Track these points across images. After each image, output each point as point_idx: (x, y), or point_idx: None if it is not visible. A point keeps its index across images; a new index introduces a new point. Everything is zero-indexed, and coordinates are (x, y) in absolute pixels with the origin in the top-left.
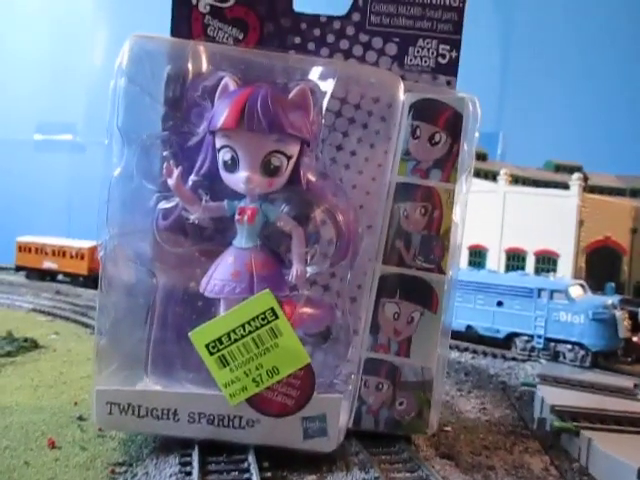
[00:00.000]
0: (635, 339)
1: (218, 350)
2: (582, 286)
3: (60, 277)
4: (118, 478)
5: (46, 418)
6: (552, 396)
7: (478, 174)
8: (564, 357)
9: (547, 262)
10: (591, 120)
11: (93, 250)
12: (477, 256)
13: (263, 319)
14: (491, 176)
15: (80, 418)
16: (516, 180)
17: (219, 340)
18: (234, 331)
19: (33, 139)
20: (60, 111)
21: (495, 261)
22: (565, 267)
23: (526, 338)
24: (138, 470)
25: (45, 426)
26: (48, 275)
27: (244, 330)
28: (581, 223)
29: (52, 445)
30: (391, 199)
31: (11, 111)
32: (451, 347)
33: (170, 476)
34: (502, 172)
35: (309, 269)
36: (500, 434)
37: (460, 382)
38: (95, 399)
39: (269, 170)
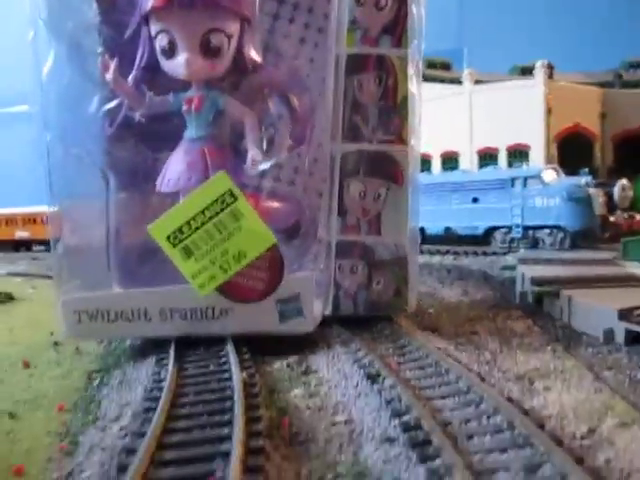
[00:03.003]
0: (612, 218)
1: (180, 241)
2: (555, 170)
3: (34, 248)
4: (95, 381)
5: (21, 349)
6: (532, 272)
7: (443, 81)
8: (543, 243)
9: (519, 156)
10: (555, 24)
11: None
12: (449, 162)
13: (222, 202)
14: (457, 82)
15: (55, 344)
16: (479, 81)
17: (179, 230)
18: (194, 219)
19: None
20: (14, 82)
21: (468, 164)
22: (537, 158)
23: (504, 230)
24: (116, 373)
25: (19, 354)
26: (22, 246)
27: (204, 216)
28: (549, 111)
29: (26, 365)
30: (342, 72)
31: None
32: (432, 252)
33: (149, 375)
34: (466, 72)
35: (268, 161)
36: (483, 309)
37: (442, 278)
38: (61, 310)
39: (209, 50)
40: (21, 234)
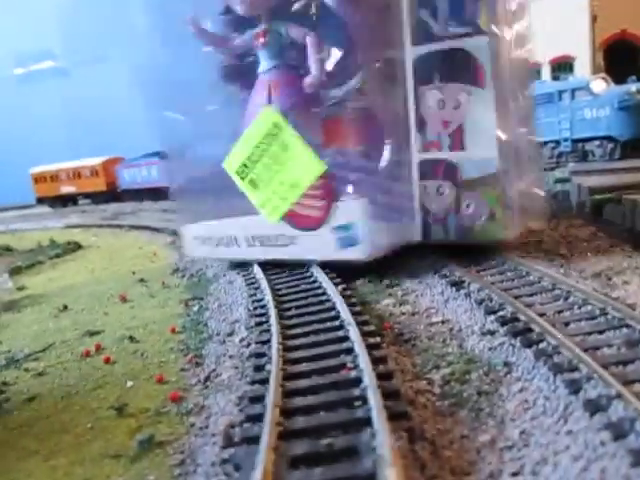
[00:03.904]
0: None
1: (246, 174)
2: (604, 79)
3: (80, 202)
4: (193, 308)
5: (111, 286)
6: (588, 182)
7: None
8: (593, 155)
9: (564, 69)
10: None
11: (107, 164)
12: None
13: (271, 135)
14: None
15: (142, 280)
16: None
17: (244, 165)
18: (252, 154)
19: (14, 74)
20: (35, 40)
21: None
22: (583, 69)
23: (552, 145)
24: (210, 299)
25: (112, 290)
26: (69, 200)
27: (260, 150)
28: (594, 19)
29: (123, 299)
30: None
31: None
32: None
33: (245, 297)
34: None
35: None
36: (541, 222)
37: None
38: (185, 235)
39: None
40: (67, 189)
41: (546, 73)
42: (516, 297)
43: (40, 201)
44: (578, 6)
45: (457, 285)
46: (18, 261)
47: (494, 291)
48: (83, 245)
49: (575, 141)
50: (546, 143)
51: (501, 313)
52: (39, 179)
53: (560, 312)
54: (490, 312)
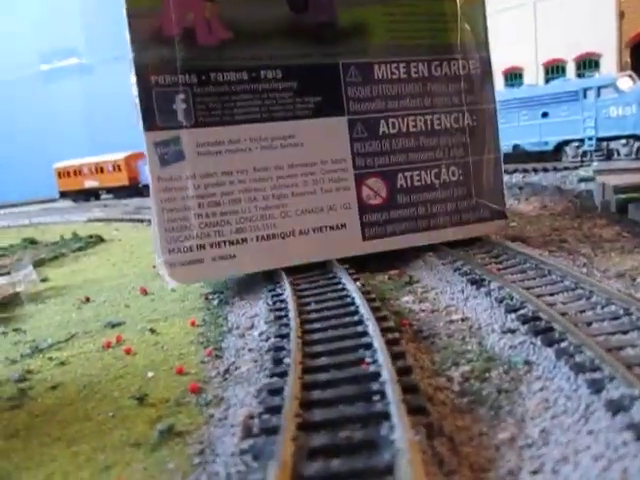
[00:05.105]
0: None
1: None
2: (631, 77)
3: (102, 197)
4: (213, 302)
5: (132, 279)
6: (613, 181)
7: None
8: (618, 154)
9: (589, 66)
10: None
11: (129, 159)
12: (513, 79)
13: None
14: None
15: None
16: None
17: None
18: None
19: (40, 70)
20: (60, 37)
21: (533, 79)
22: (609, 66)
23: (576, 144)
24: (230, 293)
25: (133, 283)
26: (92, 195)
27: None
28: (622, 15)
29: (145, 292)
30: None
31: (15, 50)
32: None
33: (265, 292)
34: None
35: None
36: (566, 220)
37: (515, 195)
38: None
39: None
40: (90, 183)
41: (571, 70)
42: (538, 296)
43: (63, 195)
44: (604, 3)
45: (477, 283)
46: (42, 253)
47: (515, 289)
48: (105, 239)
49: (600, 139)
50: (570, 142)
51: (522, 312)
52: (63, 174)
53: (582, 312)
54: (511, 310)
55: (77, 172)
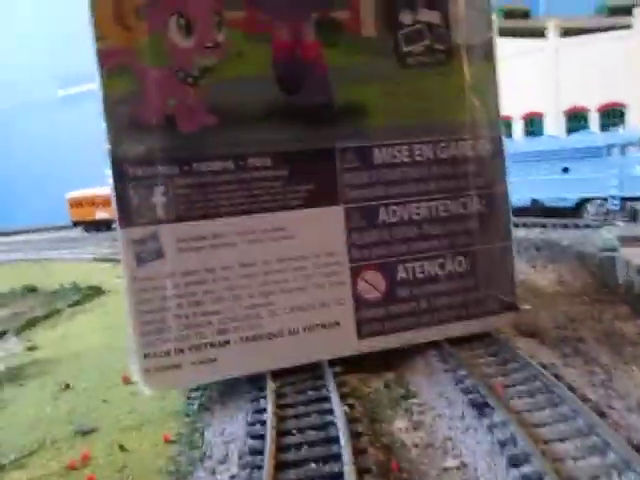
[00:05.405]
0: None
1: None
2: None
3: (114, 226)
4: (193, 403)
5: (119, 356)
6: (637, 259)
7: (522, 34)
8: None
9: (614, 116)
10: None
11: None
12: (533, 125)
13: None
14: (538, 34)
15: None
16: (566, 33)
17: None
18: None
19: (58, 96)
20: (77, 63)
21: (554, 127)
22: (635, 118)
23: (599, 202)
24: (210, 393)
25: (118, 362)
26: (103, 225)
27: None
28: None
29: (126, 381)
30: None
31: (32, 72)
32: (517, 224)
33: (248, 400)
34: (550, 25)
35: None
36: (584, 304)
37: (532, 258)
38: None
39: None
40: (101, 215)
41: (594, 120)
42: (545, 442)
43: (75, 224)
44: (633, 49)
45: (480, 409)
46: (37, 306)
47: (520, 432)
48: (104, 289)
49: (624, 199)
50: (591, 199)
51: (526, 470)
52: (75, 204)
53: (596, 478)
54: (513, 464)
55: (89, 203)
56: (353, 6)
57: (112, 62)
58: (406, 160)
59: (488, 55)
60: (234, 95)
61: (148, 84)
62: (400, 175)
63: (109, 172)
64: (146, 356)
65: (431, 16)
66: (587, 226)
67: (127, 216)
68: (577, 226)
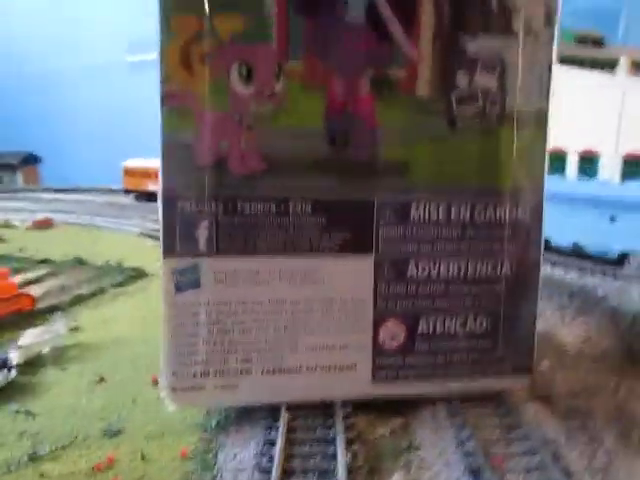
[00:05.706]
0: None
1: None
2: None
3: None
4: (212, 419)
5: (152, 349)
6: None
7: (592, 65)
8: None
9: None
10: None
11: None
12: (588, 163)
13: None
14: (608, 66)
15: None
16: (638, 67)
17: None
18: None
19: (126, 61)
20: (148, 29)
21: (609, 169)
22: None
23: None
24: (229, 412)
25: (151, 357)
26: (154, 197)
27: None
28: None
29: (155, 382)
30: None
31: (103, 35)
32: (554, 263)
33: (262, 427)
34: (622, 60)
35: None
36: (604, 371)
37: (563, 307)
38: None
39: None
40: (153, 187)
41: None
42: None
43: (127, 192)
44: None
45: (475, 476)
46: (84, 282)
47: None
48: (147, 272)
49: None
50: (635, 252)
51: None
52: (129, 172)
53: None
54: None
55: (142, 174)
56: (411, 65)
57: (174, 103)
58: (442, 219)
59: (540, 123)
60: (285, 143)
61: (205, 126)
62: (434, 233)
63: (159, 205)
64: (174, 374)
65: (487, 79)
66: (627, 277)
67: (171, 247)
68: (616, 276)
